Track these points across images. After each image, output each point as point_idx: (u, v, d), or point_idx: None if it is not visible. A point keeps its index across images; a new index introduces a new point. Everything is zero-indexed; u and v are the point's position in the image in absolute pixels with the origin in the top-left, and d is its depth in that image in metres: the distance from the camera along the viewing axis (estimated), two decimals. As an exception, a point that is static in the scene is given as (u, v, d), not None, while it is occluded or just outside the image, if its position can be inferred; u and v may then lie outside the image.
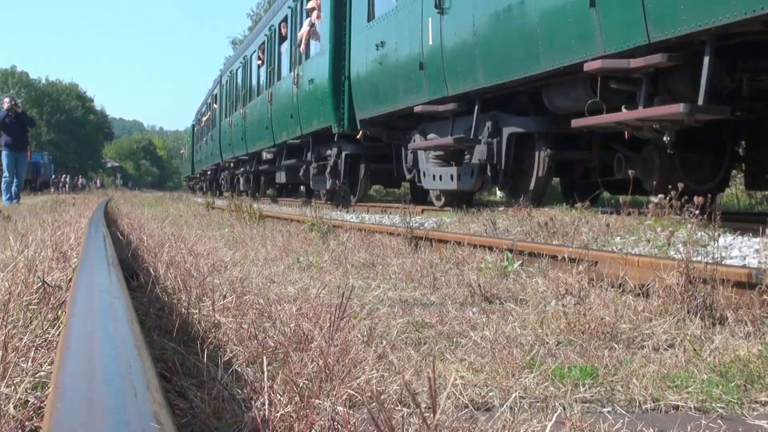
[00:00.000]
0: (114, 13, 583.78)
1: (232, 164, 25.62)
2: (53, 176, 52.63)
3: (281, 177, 18.45)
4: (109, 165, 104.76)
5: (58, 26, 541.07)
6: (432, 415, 1.36)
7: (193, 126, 43.21)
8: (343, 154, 13.50)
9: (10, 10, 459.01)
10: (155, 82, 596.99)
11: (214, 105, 30.45)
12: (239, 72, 23.98)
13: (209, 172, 33.04)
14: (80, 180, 66.02)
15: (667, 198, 5.01)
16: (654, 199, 5.55)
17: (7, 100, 17.72)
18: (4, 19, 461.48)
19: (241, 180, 24.11)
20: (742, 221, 5.96)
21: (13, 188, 17.25)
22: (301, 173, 16.31)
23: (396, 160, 12.06)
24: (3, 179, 17.47)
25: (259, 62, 19.70)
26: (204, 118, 34.87)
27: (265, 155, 18.94)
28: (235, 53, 30.05)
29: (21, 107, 18.03)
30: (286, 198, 21.79)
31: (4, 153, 17.28)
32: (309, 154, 15.33)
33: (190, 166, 44.86)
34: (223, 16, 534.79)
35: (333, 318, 2.25)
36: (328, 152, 14.17)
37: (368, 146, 13.09)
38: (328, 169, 14.03)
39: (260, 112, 19.12)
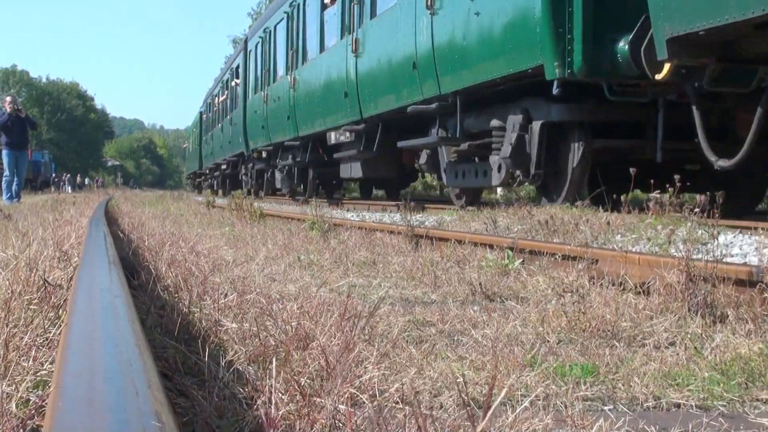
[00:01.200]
0: (114, 12, 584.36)
1: (265, 154, 18.78)
2: (54, 175, 52.65)
3: (352, 170, 12.49)
4: (109, 164, 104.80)
5: (59, 25, 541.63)
6: (433, 413, 1.36)
7: (201, 114, 36.22)
8: (536, 124, 7.51)
9: (10, 10, 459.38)
10: (156, 81, 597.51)
11: (235, 81, 23.35)
12: (280, 27, 16.81)
13: (225, 166, 26.30)
14: (84, 180, 66.12)
15: (668, 196, 5.01)
16: (654, 195, 5.55)
17: (8, 100, 17.70)
18: (4, 18, 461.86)
19: (279, 175, 17.63)
20: (743, 219, 5.96)
21: (14, 187, 17.26)
22: (423, 160, 10.34)
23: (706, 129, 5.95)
24: (3, 178, 17.47)
25: (327, 1, 13.40)
26: (219, 100, 27.97)
27: (335, 137, 12.69)
28: (270, 5, 20.91)
29: (24, 112, 17.92)
30: (373, 201, 14.56)
31: (4, 152, 17.28)
32: (441, 130, 9.35)
33: (196, 161, 37.65)
34: (223, 15, 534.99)
35: (343, 319, 2.25)
36: (494, 123, 8.25)
37: (593, 108, 7.20)
38: (508, 150, 7.70)
39: (328, 74, 12.83)
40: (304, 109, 14.39)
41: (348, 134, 12.17)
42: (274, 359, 1.86)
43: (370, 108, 11.08)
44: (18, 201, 16.42)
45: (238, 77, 22.90)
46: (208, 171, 33.13)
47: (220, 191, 27.67)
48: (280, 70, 16.66)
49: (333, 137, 12.84)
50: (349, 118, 11.80)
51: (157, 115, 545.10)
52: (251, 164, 20.99)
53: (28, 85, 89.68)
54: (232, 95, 24.14)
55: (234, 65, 24.38)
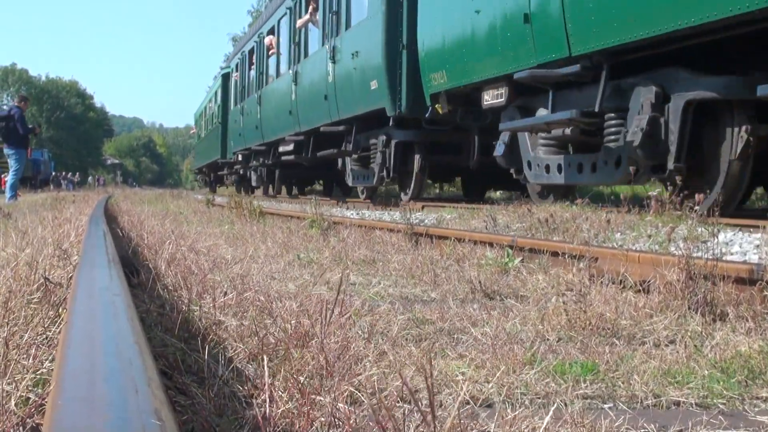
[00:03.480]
0: (113, 10, 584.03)
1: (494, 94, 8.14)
2: (53, 174, 52.64)
3: None
4: (109, 162, 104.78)
5: (58, 24, 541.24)
6: (431, 411, 1.36)
7: (226, 76, 25.55)
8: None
9: (10, 8, 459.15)
10: (155, 80, 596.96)
11: None
12: None
13: (290, 147, 15.37)
14: (87, 178, 66.21)
15: (668, 194, 5.01)
16: (653, 193, 5.55)
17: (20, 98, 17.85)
18: (4, 17, 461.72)
19: (545, 153, 7.80)
20: (743, 217, 5.96)
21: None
22: None
23: None
24: (11, 175, 17.58)
25: None
26: (291, 27, 15.40)
27: None
28: None
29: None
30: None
31: (20, 151, 17.42)
32: None
33: (216, 147, 26.89)
34: (223, 14, 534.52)
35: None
36: None
37: None
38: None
39: None
40: None
41: None
42: (272, 357, 1.86)
43: None
44: (16, 199, 16.46)
45: None
46: (241, 158, 21.76)
47: (259, 190, 18.09)
48: None
49: None
50: None
51: (156, 113, 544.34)
52: (385, 136, 11.10)
53: (27, 83, 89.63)
54: (331, 2, 12.65)
55: None
